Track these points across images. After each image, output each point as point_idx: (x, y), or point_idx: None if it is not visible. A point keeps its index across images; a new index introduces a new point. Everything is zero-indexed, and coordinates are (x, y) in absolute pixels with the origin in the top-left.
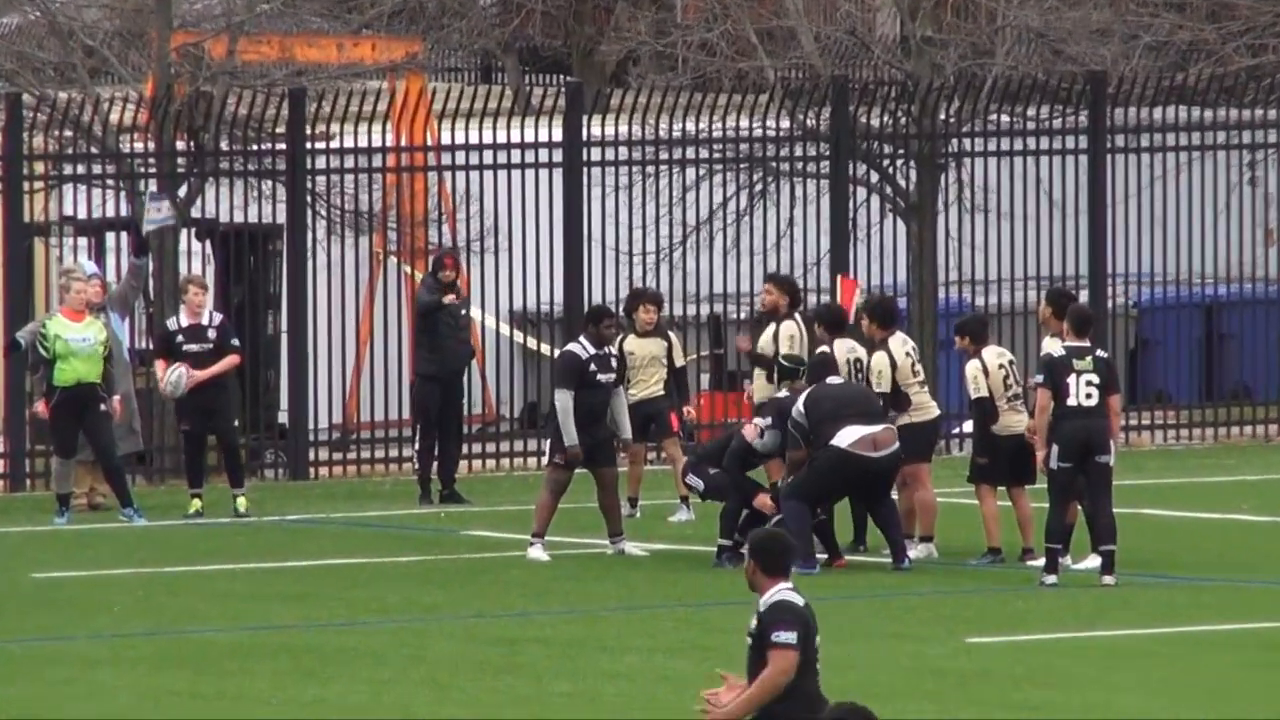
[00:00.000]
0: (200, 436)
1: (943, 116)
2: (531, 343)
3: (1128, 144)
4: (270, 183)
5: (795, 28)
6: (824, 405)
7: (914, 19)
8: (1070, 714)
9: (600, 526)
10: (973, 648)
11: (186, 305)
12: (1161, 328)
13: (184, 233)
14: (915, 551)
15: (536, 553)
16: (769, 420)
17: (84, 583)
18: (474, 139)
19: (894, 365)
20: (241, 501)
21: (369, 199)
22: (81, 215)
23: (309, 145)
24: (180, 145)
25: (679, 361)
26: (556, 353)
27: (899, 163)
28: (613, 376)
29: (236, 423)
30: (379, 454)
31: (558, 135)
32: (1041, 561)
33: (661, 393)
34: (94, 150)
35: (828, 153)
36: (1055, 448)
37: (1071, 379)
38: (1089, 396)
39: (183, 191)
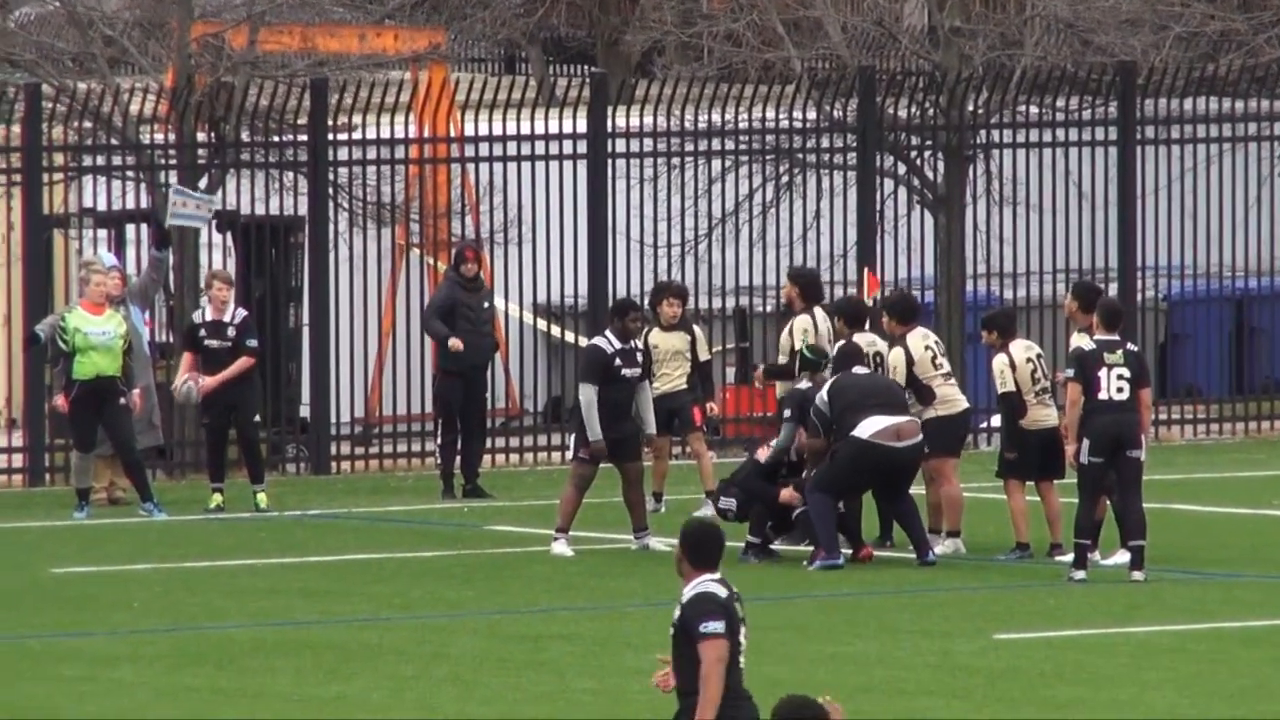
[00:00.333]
0: (221, 431)
1: (971, 108)
2: (558, 331)
3: (1158, 135)
4: (292, 174)
5: (822, 18)
6: (848, 394)
7: (942, 9)
8: (1100, 711)
9: (624, 521)
10: (1001, 644)
11: (211, 300)
12: (1192, 321)
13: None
14: (942, 547)
15: (560, 548)
16: (787, 412)
17: (103, 578)
18: (497, 130)
19: (911, 361)
20: (262, 497)
21: (391, 191)
22: (101, 207)
23: (331, 136)
24: (201, 136)
25: (703, 356)
26: (582, 341)
27: (927, 154)
28: (638, 371)
29: (258, 418)
30: (401, 448)
31: (582, 127)
32: (1070, 557)
33: (685, 387)
34: (114, 141)
35: (855, 144)
36: (1086, 442)
37: (1103, 373)
38: (1120, 390)
39: (203, 183)
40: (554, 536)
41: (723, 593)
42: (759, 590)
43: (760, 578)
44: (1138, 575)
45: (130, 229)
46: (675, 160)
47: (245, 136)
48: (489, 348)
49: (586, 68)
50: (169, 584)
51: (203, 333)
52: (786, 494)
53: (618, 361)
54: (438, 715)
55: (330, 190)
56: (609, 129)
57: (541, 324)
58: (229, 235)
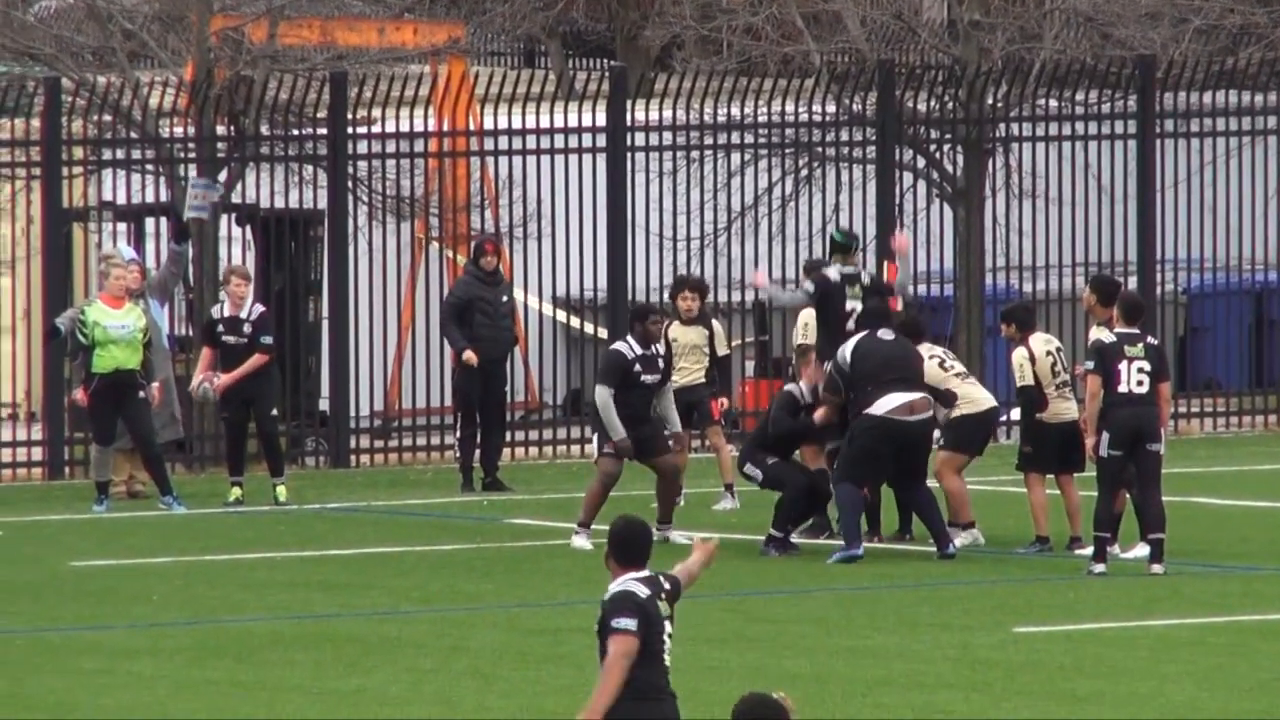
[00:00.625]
0: (240, 424)
1: (990, 101)
2: (577, 324)
3: (1177, 129)
4: (311, 168)
5: (841, 12)
6: (869, 361)
7: (961, 3)
8: (1120, 705)
9: (646, 516)
10: (1020, 637)
11: (229, 296)
12: (1211, 314)
13: (224, 218)
14: (960, 539)
15: (580, 541)
16: (810, 285)
17: (122, 571)
18: (517, 124)
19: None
20: (281, 490)
21: (411, 184)
22: (121, 200)
23: (350, 130)
24: (220, 130)
25: (721, 350)
26: (602, 334)
27: (946, 148)
28: (658, 377)
29: (276, 411)
30: (420, 441)
31: (601, 120)
32: (1089, 550)
33: (703, 380)
34: (133, 135)
35: (874, 138)
36: (1105, 435)
37: (1123, 366)
38: (1140, 384)
39: (223, 176)
40: (575, 530)
41: (644, 591)
42: (780, 584)
43: (781, 571)
44: (1157, 568)
45: (150, 223)
46: (694, 154)
47: (265, 130)
48: (508, 341)
49: (606, 61)
50: (188, 577)
51: (220, 328)
52: (820, 415)
53: (638, 367)
54: (457, 708)
55: (350, 184)
56: (628, 123)
57: (561, 316)
58: (248, 229)
